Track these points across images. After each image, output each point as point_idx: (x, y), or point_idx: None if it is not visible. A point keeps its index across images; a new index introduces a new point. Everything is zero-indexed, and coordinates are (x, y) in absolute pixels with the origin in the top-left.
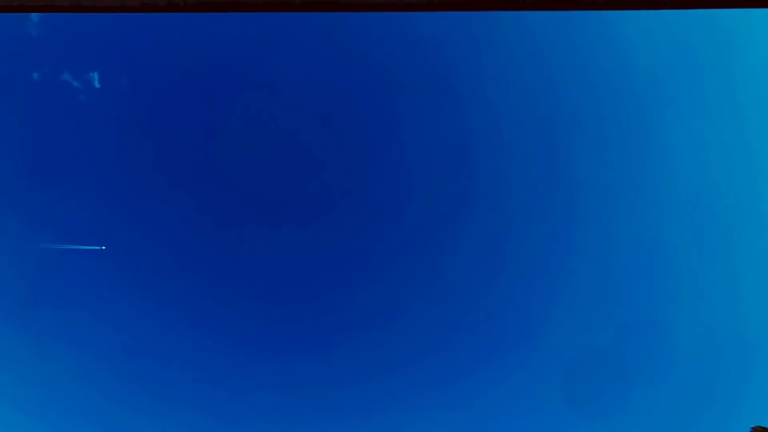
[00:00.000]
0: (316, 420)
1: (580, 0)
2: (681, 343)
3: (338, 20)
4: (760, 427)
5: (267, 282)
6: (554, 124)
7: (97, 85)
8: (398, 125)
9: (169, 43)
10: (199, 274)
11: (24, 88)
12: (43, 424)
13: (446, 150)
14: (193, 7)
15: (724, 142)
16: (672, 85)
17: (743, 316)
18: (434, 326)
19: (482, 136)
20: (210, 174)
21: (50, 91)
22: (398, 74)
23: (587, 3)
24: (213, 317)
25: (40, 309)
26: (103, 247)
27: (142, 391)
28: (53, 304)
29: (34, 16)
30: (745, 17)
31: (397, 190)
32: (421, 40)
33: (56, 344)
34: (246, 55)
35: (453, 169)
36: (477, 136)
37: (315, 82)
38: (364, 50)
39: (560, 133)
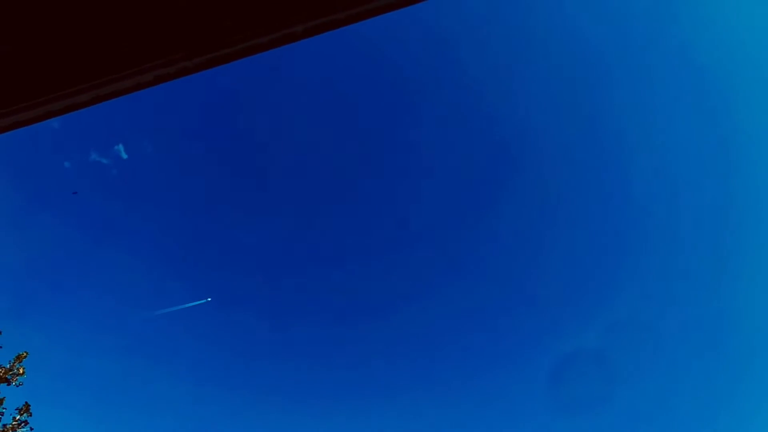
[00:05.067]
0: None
1: None
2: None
3: (343, 33)
4: None
5: (277, 290)
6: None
7: (124, 156)
8: (409, 124)
9: (183, 99)
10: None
11: (60, 179)
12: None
13: (445, 157)
14: (202, 65)
15: (721, 142)
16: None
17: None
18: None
19: (438, 145)
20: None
21: (84, 174)
22: (409, 73)
23: None
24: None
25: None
26: (209, 299)
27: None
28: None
29: None
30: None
31: (412, 197)
32: (436, 32)
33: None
34: (261, 94)
35: (452, 176)
36: (435, 143)
37: (338, 105)
38: (375, 55)
39: (547, 135)
